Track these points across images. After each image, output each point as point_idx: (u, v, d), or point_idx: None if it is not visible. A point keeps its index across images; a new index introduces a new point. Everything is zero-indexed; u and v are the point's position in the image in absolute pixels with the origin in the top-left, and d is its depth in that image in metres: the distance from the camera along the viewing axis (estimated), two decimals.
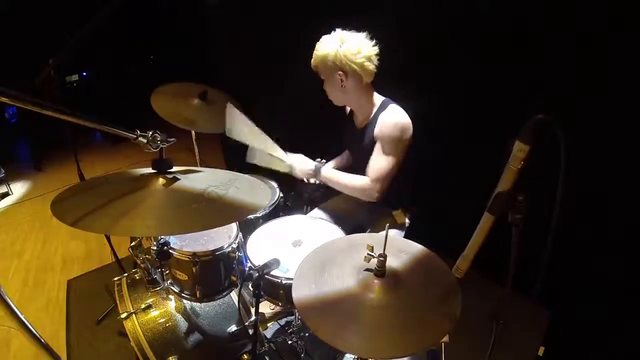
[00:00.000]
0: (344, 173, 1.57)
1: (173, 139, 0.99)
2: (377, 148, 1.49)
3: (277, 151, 1.58)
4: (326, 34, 1.48)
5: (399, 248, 1.08)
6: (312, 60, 1.49)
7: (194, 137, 2.09)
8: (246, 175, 1.11)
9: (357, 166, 1.68)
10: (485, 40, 1.74)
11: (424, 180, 1.69)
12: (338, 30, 1.45)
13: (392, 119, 1.47)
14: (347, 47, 1.41)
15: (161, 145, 0.96)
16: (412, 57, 1.64)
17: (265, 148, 1.56)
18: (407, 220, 1.68)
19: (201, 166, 2.04)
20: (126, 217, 0.80)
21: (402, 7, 1.79)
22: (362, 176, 1.53)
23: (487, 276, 1.49)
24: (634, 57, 1.37)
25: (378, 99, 1.55)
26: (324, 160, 1.64)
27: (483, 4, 1.64)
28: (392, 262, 1.00)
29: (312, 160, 1.60)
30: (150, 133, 0.93)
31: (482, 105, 1.83)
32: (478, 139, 1.85)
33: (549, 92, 1.58)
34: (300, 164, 1.60)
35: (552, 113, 0.74)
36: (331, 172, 1.59)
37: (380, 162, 1.48)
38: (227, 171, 1.11)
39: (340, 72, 1.44)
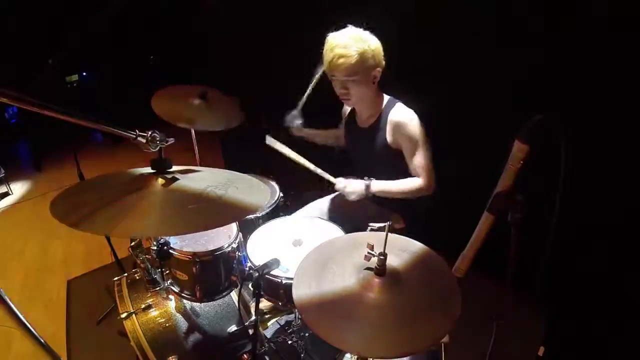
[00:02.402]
0: (392, 182, 1.54)
1: (172, 139, 0.99)
2: (408, 149, 1.49)
3: (324, 174, 1.63)
4: (327, 32, 1.47)
5: (400, 247, 1.08)
6: (346, 61, 1.38)
7: (193, 137, 2.09)
8: (246, 175, 1.11)
9: (364, 164, 1.67)
10: (485, 40, 1.74)
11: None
12: (351, 27, 1.43)
13: (406, 118, 1.48)
14: (375, 42, 1.42)
15: (160, 145, 0.96)
16: (412, 56, 1.65)
17: (309, 167, 1.64)
18: (403, 224, 1.67)
19: (201, 166, 2.04)
20: (126, 217, 0.80)
21: (403, 6, 1.79)
22: (411, 179, 1.53)
23: (487, 276, 1.49)
24: (634, 57, 1.37)
25: (384, 96, 1.57)
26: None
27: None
28: (393, 261, 1.00)
29: (360, 180, 1.56)
30: (150, 133, 0.93)
31: (482, 105, 1.83)
32: (478, 139, 1.85)
33: (549, 92, 1.58)
34: (351, 187, 1.54)
35: (552, 113, 0.74)
36: (382, 185, 1.55)
37: (420, 159, 1.49)
38: (226, 171, 1.11)
39: (378, 69, 1.45)
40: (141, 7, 4.69)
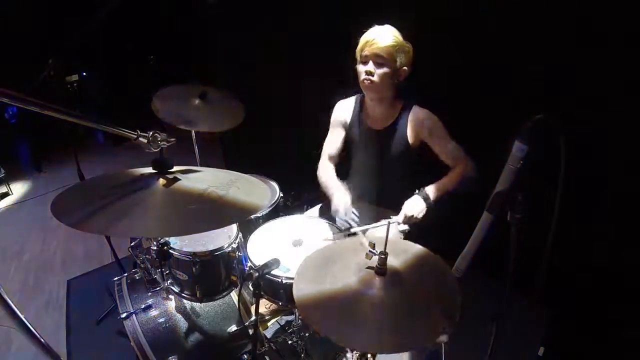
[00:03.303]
0: (442, 181, 1.52)
1: (173, 139, 0.99)
2: (441, 139, 1.53)
3: (385, 221, 1.48)
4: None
5: (400, 249, 1.09)
6: (384, 39, 1.41)
7: (194, 137, 2.09)
8: (246, 175, 1.11)
9: (378, 167, 1.66)
10: (485, 40, 1.74)
11: (425, 180, 1.69)
12: (387, 25, 1.46)
13: (429, 113, 1.54)
14: (409, 45, 1.46)
15: (162, 145, 0.96)
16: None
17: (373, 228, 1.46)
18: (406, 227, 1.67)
19: (201, 166, 2.03)
20: (126, 217, 0.80)
21: (401, 7, 1.79)
22: (453, 170, 1.53)
23: (487, 276, 1.49)
24: (633, 57, 1.37)
25: (400, 100, 1.57)
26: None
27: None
28: (393, 262, 1.00)
29: (417, 197, 1.47)
30: (151, 133, 0.93)
31: (482, 105, 1.83)
32: (478, 139, 1.85)
33: (549, 92, 1.58)
34: (414, 209, 1.44)
35: (552, 113, 0.74)
36: (435, 190, 1.49)
37: (452, 144, 1.53)
38: (227, 171, 1.11)
39: (405, 69, 1.48)
40: (141, 7, 4.69)
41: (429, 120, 1.53)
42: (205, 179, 0.99)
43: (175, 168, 0.98)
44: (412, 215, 1.43)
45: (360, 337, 0.86)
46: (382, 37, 1.42)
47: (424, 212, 1.45)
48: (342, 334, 0.86)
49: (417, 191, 1.49)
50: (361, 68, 1.48)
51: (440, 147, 1.55)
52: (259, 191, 1.02)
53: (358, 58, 1.50)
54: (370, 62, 1.44)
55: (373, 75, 1.45)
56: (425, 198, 1.46)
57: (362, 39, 1.47)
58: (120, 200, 0.85)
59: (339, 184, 1.57)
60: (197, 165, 2.04)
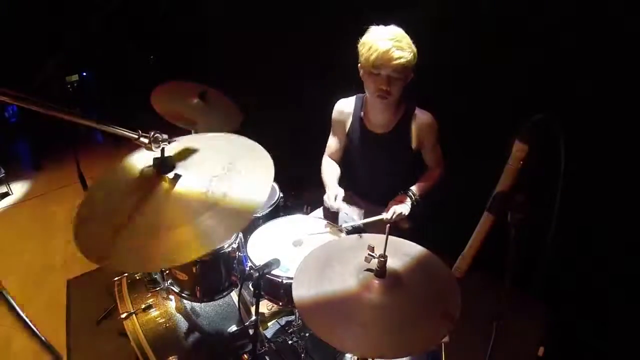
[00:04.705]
0: (423, 182, 1.62)
1: (175, 140, 0.99)
2: (432, 144, 1.58)
3: (374, 218, 1.57)
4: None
5: (400, 249, 1.09)
6: (403, 56, 1.33)
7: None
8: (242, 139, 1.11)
9: (380, 170, 1.66)
10: (485, 40, 1.75)
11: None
12: (394, 26, 1.39)
13: (432, 117, 1.55)
14: (415, 47, 1.43)
15: (163, 146, 0.96)
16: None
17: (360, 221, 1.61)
18: (408, 225, 1.67)
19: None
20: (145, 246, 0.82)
21: (400, 8, 1.79)
22: (432, 172, 1.65)
23: (487, 276, 1.49)
24: (633, 57, 1.37)
25: (403, 103, 1.56)
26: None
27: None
28: (393, 263, 1.00)
29: (405, 196, 1.56)
30: (152, 133, 0.93)
31: (482, 105, 1.84)
32: (478, 139, 1.85)
33: (549, 92, 1.58)
34: (401, 206, 1.52)
35: (552, 113, 0.74)
36: (419, 190, 1.59)
37: (440, 152, 1.63)
38: (223, 136, 1.13)
39: (412, 74, 1.46)
40: (141, 6, 4.69)
41: (432, 126, 1.53)
42: (204, 164, 1.00)
43: (174, 144, 0.99)
44: (401, 212, 1.50)
45: (359, 341, 0.86)
46: (402, 49, 1.32)
47: (409, 208, 1.53)
48: (341, 337, 0.86)
49: (401, 192, 1.57)
50: (373, 83, 1.41)
51: (430, 152, 1.59)
52: (261, 169, 1.01)
53: (367, 69, 1.40)
54: (385, 77, 1.37)
55: (389, 92, 1.40)
56: (411, 196, 1.56)
57: (374, 50, 1.33)
58: (131, 219, 0.88)
59: (334, 182, 1.64)
60: None
